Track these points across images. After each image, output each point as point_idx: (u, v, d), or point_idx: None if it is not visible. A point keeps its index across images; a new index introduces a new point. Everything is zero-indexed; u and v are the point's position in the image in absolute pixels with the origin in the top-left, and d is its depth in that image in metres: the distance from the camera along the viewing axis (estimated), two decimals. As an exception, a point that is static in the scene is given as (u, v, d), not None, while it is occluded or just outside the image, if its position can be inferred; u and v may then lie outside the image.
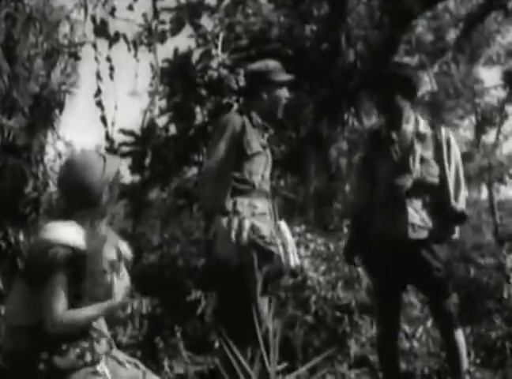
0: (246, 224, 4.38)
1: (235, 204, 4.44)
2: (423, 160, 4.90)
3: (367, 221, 5.01)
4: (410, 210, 4.83)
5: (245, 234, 4.35)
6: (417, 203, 4.85)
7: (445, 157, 4.91)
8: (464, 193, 4.93)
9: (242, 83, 5.15)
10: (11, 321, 3.30)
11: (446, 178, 4.88)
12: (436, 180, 4.89)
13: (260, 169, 4.64)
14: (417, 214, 4.83)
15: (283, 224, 4.72)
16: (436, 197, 4.90)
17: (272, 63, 4.91)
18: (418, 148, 4.91)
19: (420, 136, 4.95)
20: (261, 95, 4.80)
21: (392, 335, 5.03)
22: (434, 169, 4.90)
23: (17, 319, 3.24)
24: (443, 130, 4.99)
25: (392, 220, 4.88)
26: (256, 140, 4.65)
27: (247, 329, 3.92)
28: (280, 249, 4.55)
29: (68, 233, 3.23)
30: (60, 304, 3.14)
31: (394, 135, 4.99)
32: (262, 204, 4.57)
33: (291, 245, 4.64)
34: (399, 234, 4.85)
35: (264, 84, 4.80)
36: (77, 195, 3.38)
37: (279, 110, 4.91)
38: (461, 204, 4.88)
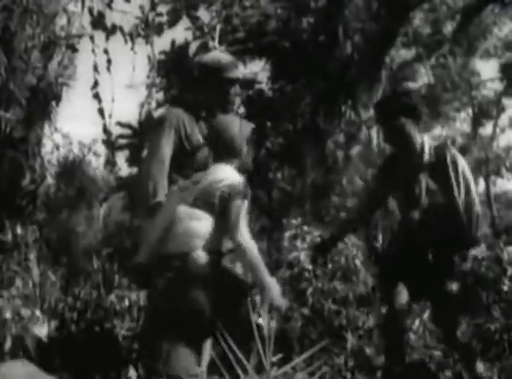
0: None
1: None
2: (429, 190, 4.96)
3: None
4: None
5: None
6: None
7: (454, 184, 4.88)
8: (476, 217, 4.88)
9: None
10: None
11: (457, 206, 4.86)
12: (447, 209, 4.90)
13: (202, 163, 4.54)
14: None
15: None
16: (448, 224, 4.90)
17: (225, 59, 4.81)
18: (423, 178, 4.97)
19: (426, 166, 4.98)
20: (210, 89, 4.71)
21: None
22: (443, 197, 4.93)
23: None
24: (449, 156, 4.94)
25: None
26: (198, 134, 4.60)
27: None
28: None
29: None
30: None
31: (402, 165, 5.09)
32: None
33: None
34: None
35: (213, 79, 4.69)
36: (222, 145, 4.28)
37: (228, 105, 4.86)
38: (474, 230, 4.88)
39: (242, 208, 4.13)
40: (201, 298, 3.96)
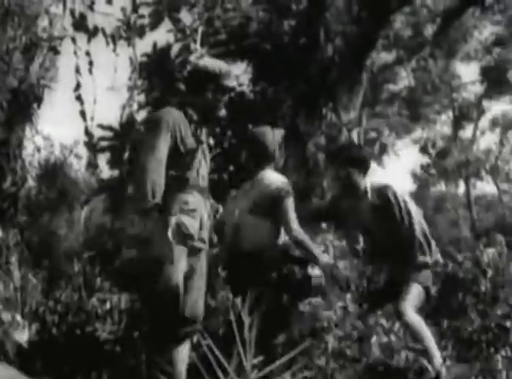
0: (173, 221, 4.40)
1: (167, 200, 4.43)
2: (379, 227, 5.57)
3: None
4: None
5: (170, 231, 4.38)
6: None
7: (398, 219, 5.49)
8: (418, 245, 5.52)
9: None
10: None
11: (402, 236, 5.50)
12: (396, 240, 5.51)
13: (195, 165, 4.62)
14: None
15: None
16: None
17: (224, 66, 4.85)
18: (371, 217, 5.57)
19: (370, 207, 5.57)
20: (206, 94, 4.74)
21: None
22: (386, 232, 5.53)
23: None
24: (390, 196, 5.52)
25: None
26: (191, 137, 4.62)
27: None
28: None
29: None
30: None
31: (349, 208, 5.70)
32: (195, 200, 4.58)
33: None
34: None
35: (212, 85, 4.73)
36: (260, 153, 5.24)
37: (217, 111, 4.93)
38: (434, 255, 5.56)
39: (292, 204, 5.05)
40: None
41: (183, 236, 4.42)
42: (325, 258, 5.14)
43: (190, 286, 4.50)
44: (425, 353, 5.14)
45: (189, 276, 4.48)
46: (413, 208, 5.54)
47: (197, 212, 4.53)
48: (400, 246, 5.46)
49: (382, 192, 5.55)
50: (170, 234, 4.34)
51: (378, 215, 5.53)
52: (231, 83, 4.88)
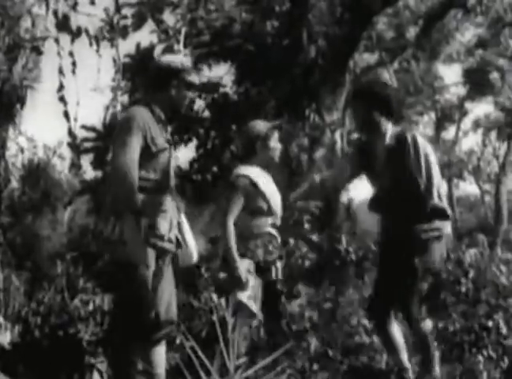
0: (144, 222, 4.39)
1: (140, 202, 4.41)
2: (394, 172, 5.10)
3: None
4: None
5: (142, 233, 4.37)
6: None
7: (415, 166, 5.01)
8: (437, 190, 5.05)
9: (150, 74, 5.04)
10: None
11: (417, 182, 5.00)
12: (411, 188, 5.03)
13: (163, 165, 4.56)
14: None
15: (184, 221, 4.76)
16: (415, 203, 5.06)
17: (186, 61, 4.81)
18: (388, 161, 5.13)
19: (389, 150, 5.14)
20: (170, 91, 4.67)
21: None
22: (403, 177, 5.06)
23: None
24: (409, 138, 5.07)
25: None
26: (160, 136, 4.56)
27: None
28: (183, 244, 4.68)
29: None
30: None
31: (371, 150, 5.29)
32: (166, 201, 4.55)
33: (190, 242, 4.74)
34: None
35: (175, 81, 4.66)
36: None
37: (182, 108, 4.80)
38: (433, 202, 5.02)
39: (238, 200, 5.20)
40: None
41: (155, 237, 4.40)
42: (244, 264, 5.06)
43: (161, 289, 4.48)
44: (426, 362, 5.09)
45: (159, 279, 4.45)
46: (434, 157, 5.09)
47: (168, 213, 4.51)
48: (412, 197, 5.01)
49: (401, 135, 5.14)
50: (143, 235, 4.33)
51: (392, 160, 5.11)
52: (194, 79, 4.74)
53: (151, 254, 4.37)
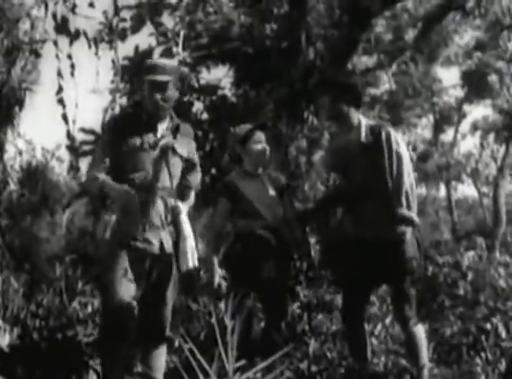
0: (112, 222, 4.39)
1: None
2: (366, 168, 4.97)
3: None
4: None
5: (108, 232, 4.37)
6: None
7: (386, 163, 4.90)
8: (405, 195, 4.94)
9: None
10: None
11: (387, 184, 4.90)
12: (379, 187, 4.93)
13: (144, 165, 4.55)
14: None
15: (183, 222, 4.65)
16: (381, 201, 4.94)
17: (157, 62, 4.73)
18: (359, 157, 5.00)
19: (362, 146, 5.01)
20: (143, 90, 4.64)
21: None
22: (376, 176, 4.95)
23: None
24: (383, 134, 4.95)
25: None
26: (135, 136, 4.55)
27: None
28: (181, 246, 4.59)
29: None
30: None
31: (339, 143, 5.27)
32: (138, 201, 4.43)
33: (189, 246, 4.58)
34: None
35: (146, 81, 4.61)
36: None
37: (153, 109, 4.65)
38: (403, 209, 4.92)
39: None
40: None
41: (124, 236, 4.40)
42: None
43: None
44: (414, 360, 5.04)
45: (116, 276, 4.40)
46: (406, 155, 4.97)
47: (143, 213, 4.47)
48: (382, 194, 4.92)
49: (375, 130, 4.99)
50: (107, 233, 4.33)
51: (366, 154, 4.97)
52: (156, 78, 4.57)
53: (121, 255, 4.36)
